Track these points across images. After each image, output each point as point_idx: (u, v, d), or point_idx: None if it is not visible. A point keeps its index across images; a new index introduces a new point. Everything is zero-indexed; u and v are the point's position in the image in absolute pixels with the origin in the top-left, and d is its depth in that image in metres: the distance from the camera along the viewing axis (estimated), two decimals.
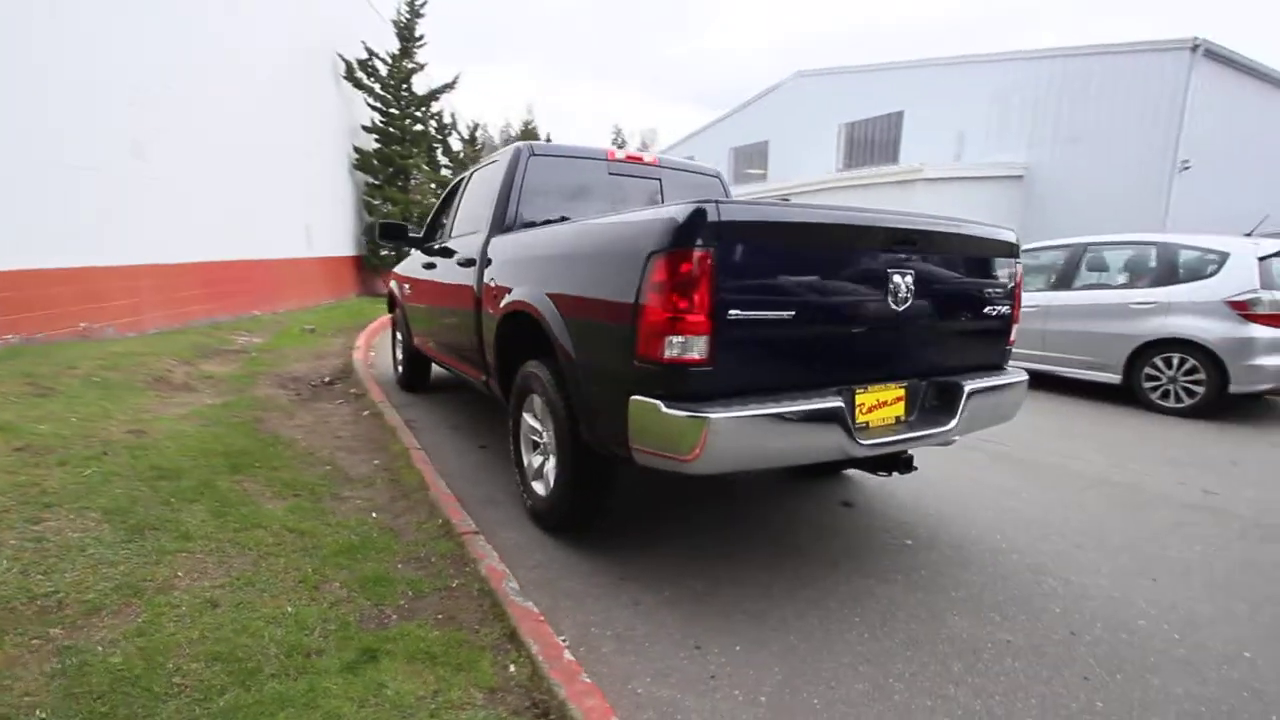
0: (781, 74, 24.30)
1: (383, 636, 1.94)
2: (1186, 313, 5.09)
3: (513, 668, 1.82)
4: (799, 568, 2.60)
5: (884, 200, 15.09)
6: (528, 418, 3.02)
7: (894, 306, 2.32)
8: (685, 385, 2.00)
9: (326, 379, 5.99)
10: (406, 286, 5.26)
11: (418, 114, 14.52)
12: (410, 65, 14.26)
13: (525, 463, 3.06)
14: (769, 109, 23.12)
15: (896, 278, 2.31)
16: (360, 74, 13.42)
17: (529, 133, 25.20)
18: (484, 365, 3.58)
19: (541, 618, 2.01)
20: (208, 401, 4.73)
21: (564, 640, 1.97)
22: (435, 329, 4.53)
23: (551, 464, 2.84)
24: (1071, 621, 2.27)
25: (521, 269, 2.98)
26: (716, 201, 1.95)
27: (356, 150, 13.88)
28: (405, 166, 14.18)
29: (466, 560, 2.40)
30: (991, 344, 2.79)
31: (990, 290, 2.68)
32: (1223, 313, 4.94)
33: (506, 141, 29.51)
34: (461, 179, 4.70)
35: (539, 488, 2.93)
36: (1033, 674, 1.97)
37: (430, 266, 4.53)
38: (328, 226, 12.79)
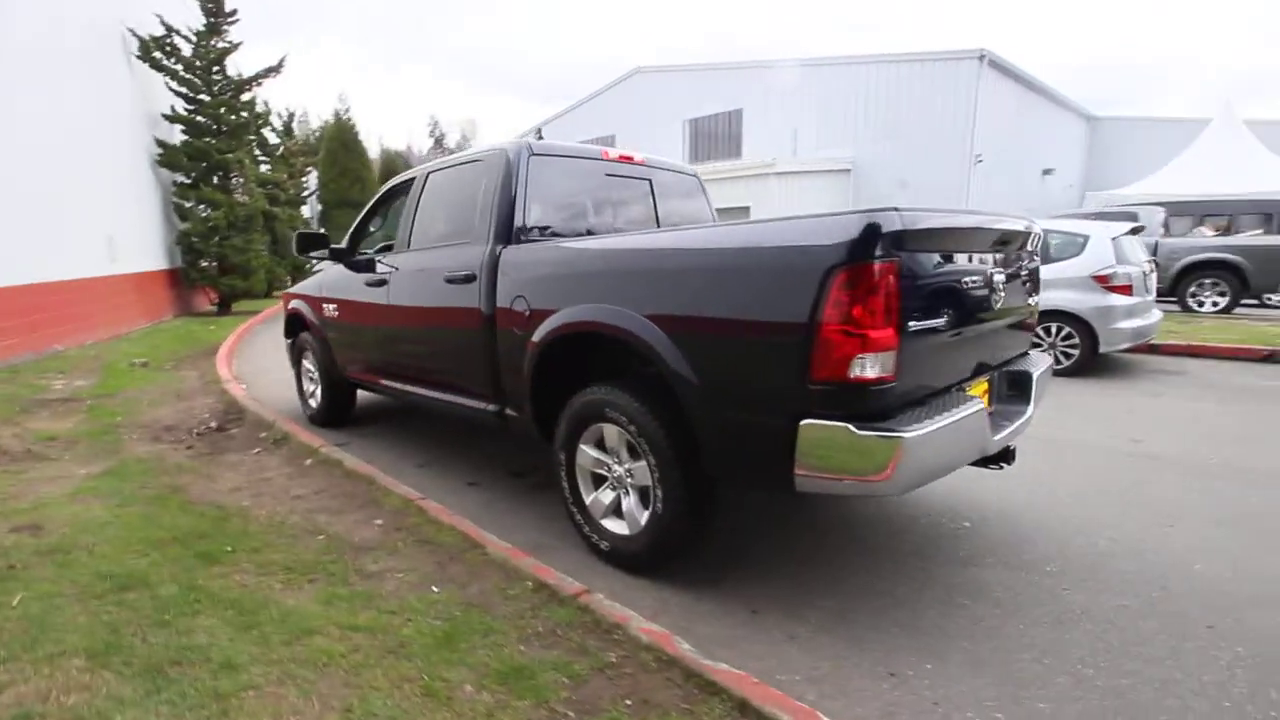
0: (616, 69, 24.56)
1: None
2: (1061, 287, 5.94)
3: None
4: (902, 568, 2.62)
5: (737, 192, 15.93)
6: (588, 449, 2.70)
7: (994, 304, 2.40)
8: (869, 404, 1.89)
9: (213, 424, 4.96)
10: (331, 308, 4.48)
11: (235, 101, 12.52)
12: (222, 45, 12.23)
13: (586, 500, 2.74)
14: (612, 103, 23.32)
15: (997, 276, 2.39)
16: (158, 53, 11.24)
17: (344, 125, 23.06)
18: (494, 392, 3.16)
19: (755, 680, 1.79)
20: (82, 471, 3.68)
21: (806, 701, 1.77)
22: (396, 355, 3.90)
23: (633, 499, 2.58)
24: (1153, 581, 2.52)
25: (576, 286, 2.64)
26: (895, 209, 1.85)
27: (160, 144, 11.64)
28: (224, 162, 12.17)
29: (604, 626, 2.08)
30: (1029, 330, 3.01)
31: (1031, 279, 2.89)
32: (1089, 286, 5.85)
33: (320, 133, 26.58)
34: (405, 181, 4.09)
35: (616, 526, 2.64)
36: (1171, 633, 2.15)
37: (380, 284, 3.89)
38: (134, 236, 10.62)
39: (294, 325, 5.15)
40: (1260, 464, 3.78)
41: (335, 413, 4.86)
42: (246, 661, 1.87)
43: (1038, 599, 2.39)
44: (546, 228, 3.19)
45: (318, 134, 27.16)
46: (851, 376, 1.85)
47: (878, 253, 1.81)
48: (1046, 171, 19.97)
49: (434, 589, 2.39)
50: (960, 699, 1.85)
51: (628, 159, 3.70)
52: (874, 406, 1.89)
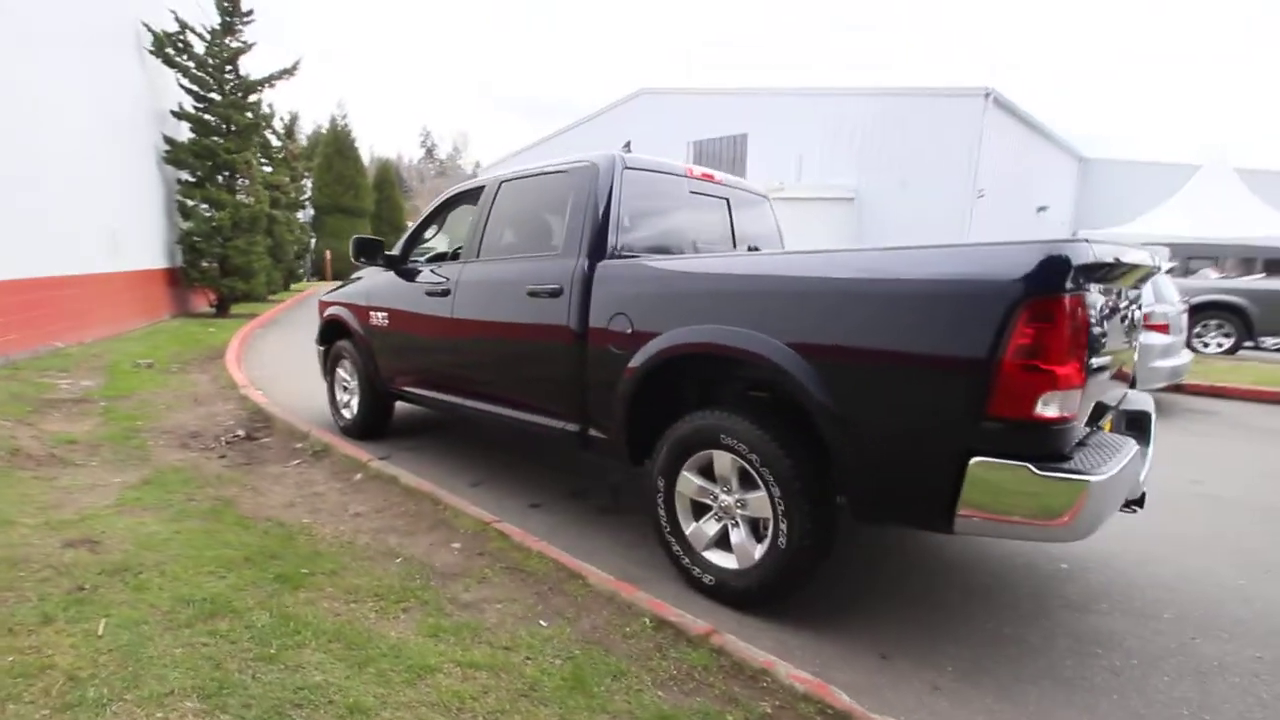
0: (618, 90, 24.65)
1: None
2: None
3: None
4: (1021, 612, 2.52)
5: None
6: (691, 477, 2.57)
7: (1131, 340, 2.34)
8: (1049, 444, 1.80)
9: (241, 433, 4.73)
10: (381, 316, 4.30)
11: (245, 102, 12.30)
12: (236, 44, 12.04)
13: (686, 530, 2.61)
14: (616, 123, 23.41)
15: (1135, 311, 2.33)
16: (170, 49, 11.02)
17: (340, 131, 22.93)
18: (578, 411, 3.02)
19: None
20: (118, 480, 3.44)
21: None
22: (457, 368, 3.73)
23: (743, 532, 2.45)
24: (1275, 630, 2.45)
25: (693, 306, 2.52)
26: (1086, 240, 1.78)
27: (167, 140, 11.37)
28: (231, 162, 11.91)
29: (747, 671, 1.93)
30: (1130, 369, 2.96)
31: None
32: None
33: (317, 137, 26.33)
34: (471, 189, 3.98)
35: (722, 559, 2.51)
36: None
37: (442, 294, 3.74)
38: (136, 232, 10.31)
39: (331, 332, 4.96)
40: None
41: (373, 425, 4.67)
42: (375, 705, 1.70)
43: (1168, 649, 2.30)
44: (637, 244, 3.09)
45: (311, 139, 26.93)
46: (1035, 414, 1.76)
47: (1069, 286, 1.73)
48: (1041, 208, 20.40)
49: (541, 623, 2.23)
50: None
51: (709, 177, 3.62)
52: (1053, 446, 1.80)
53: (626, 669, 1.97)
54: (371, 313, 4.40)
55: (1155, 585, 2.76)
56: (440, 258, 4.51)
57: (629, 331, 2.72)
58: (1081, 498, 1.74)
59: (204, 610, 2.08)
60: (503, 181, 3.68)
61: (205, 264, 11.85)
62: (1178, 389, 7.01)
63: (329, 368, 4.99)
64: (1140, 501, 2.46)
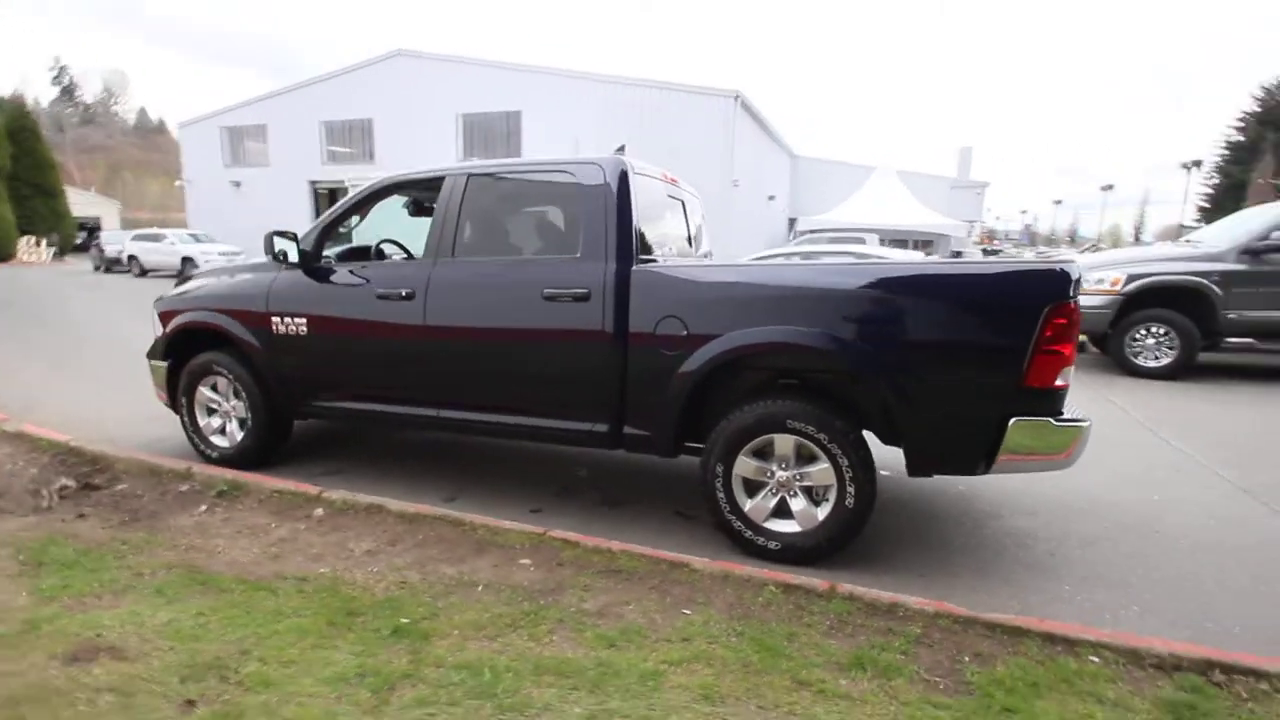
0: (365, 48, 22.28)
1: None
2: None
3: None
4: (942, 528, 3.38)
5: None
6: (748, 460, 2.92)
7: None
8: (1057, 404, 2.57)
9: (69, 482, 3.68)
10: (294, 323, 3.67)
11: None
12: None
13: (745, 507, 2.95)
14: (369, 85, 21.27)
15: None
16: None
17: None
18: (612, 411, 3.12)
19: (1038, 619, 2.32)
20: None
21: None
22: (432, 377, 3.43)
23: (802, 500, 2.89)
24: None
25: (755, 308, 2.82)
26: (1073, 260, 2.55)
27: None
28: None
29: (880, 608, 2.38)
30: None
31: None
32: None
33: None
34: (415, 181, 3.65)
35: (784, 526, 2.91)
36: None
37: (406, 297, 3.40)
38: None
39: (182, 345, 4.04)
40: None
41: (268, 450, 4.00)
42: (663, 714, 1.77)
43: (1040, 531, 3.35)
44: (650, 247, 3.25)
45: None
46: (1055, 384, 2.51)
47: (1072, 294, 2.49)
48: (771, 197, 24.10)
49: (685, 611, 2.40)
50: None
51: (674, 181, 3.88)
52: (1060, 405, 2.57)
53: (794, 630, 2.29)
54: (275, 319, 3.73)
55: (1032, 494, 3.88)
56: (360, 255, 4.01)
57: (683, 334, 2.92)
58: (1080, 437, 2.55)
59: (377, 683, 1.83)
60: (471, 175, 3.46)
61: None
62: None
63: (186, 388, 4.07)
64: None
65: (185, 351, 4.05)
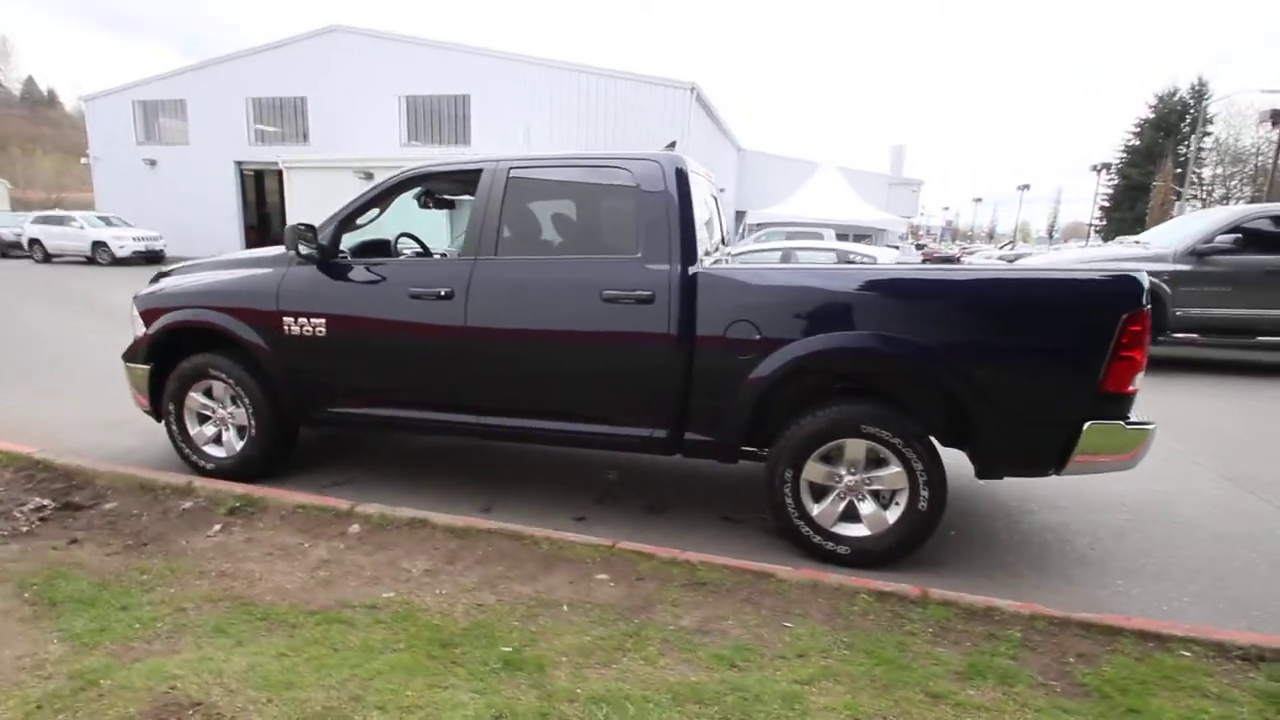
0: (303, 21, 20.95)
1: None
2: None
3: None
4: (984, 525, 3.49)
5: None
6: (817, 464, 2.89)
7: None
8: (1129, 407, 2.66)
9: (45, 501, 3.28)
10: (311, 324, 3.36)
11: None
12: None
13: (813, 512, 2.93)
14: (302, 61, 20.03)
15: None
16: None
17: None
18: (673, 417, 3.02)
19: (1125, 615, 2.39)
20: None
21: None
22: (473, 381, 3.22)
23: (869, 504, 2.89)
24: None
25: (832, 313, 2.79)
26: (1143, 270, 2.63)
27: None
28: None
29: (976, 612, 2.40)
30: None
31: None
32: None
33: None
34: (447, 173, 3.41)
35: (852, 531, 2.90)
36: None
37: (444, 296, 3.17)
38: None
39: (170, 346, 3.66)
40: None
41: (273, 460, 3.69)
42: None
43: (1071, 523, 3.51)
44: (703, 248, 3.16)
45: None
46: (1128, 389, 2.59)
47: (1145, 302, 2.57)
48: (721, 190, 24.30)
49: (786, 624, 2.35)
50: None
51: (710, 177, 3.79)
52: (1130, 409, 2.66)
53: (901, 639, 2.27)
54: (288, 319, 3.42)
55: (1050, 487, 4.05)
56: (378, 250, 3.72)
57: (755, 338, 2.85)
58: (1146, 439, 2.65)
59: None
60: (514, 168, 3.26)
61: None
62: None
63: (175, 394, 3.68)
64: None
65: (174, 354, 3.66)
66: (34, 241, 19.24)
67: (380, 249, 3.75)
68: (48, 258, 19.27)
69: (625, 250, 3.06)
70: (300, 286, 3.41)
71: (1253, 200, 40.41)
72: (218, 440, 3.72)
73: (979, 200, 79.29)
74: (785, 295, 2.89)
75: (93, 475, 3.53)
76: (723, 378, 2.92)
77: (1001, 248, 45.42)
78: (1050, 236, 66.23)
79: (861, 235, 26.73)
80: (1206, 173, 48.01)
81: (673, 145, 3.36)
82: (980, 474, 2.83)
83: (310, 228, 3.29)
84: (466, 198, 4.53)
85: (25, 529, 3.02)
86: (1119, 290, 2.58)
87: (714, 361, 2.93)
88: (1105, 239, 52.87)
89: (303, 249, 3.26)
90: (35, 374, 6.24)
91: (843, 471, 2.90)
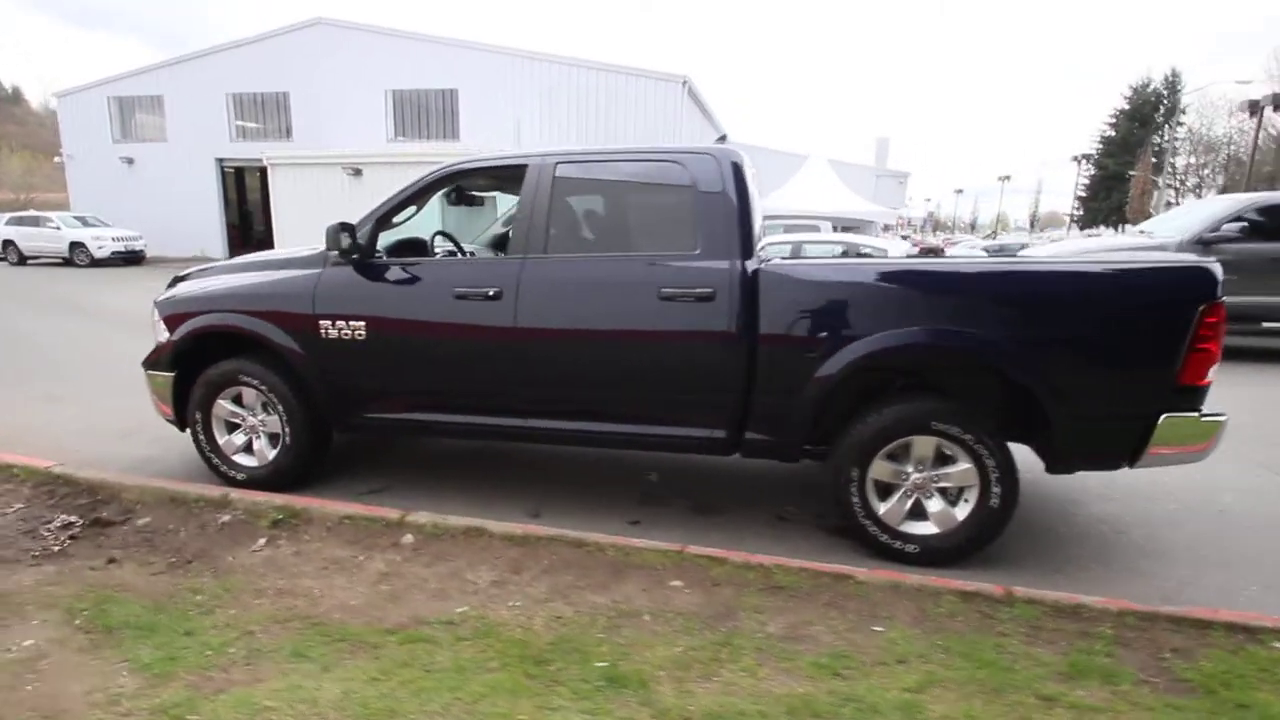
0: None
1: None
2: None
3: None
4: (1046, 520, 3.47)
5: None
6: (884, 463, 2.84)
7: None
8: (1202, 399, 2.63)
9: (72, 519, 3.14)
10: (348, 325, 3.23)
11: None
12: None
13: (880, 510, 2.88)
14: (285, 55, 19.58)
15: None
16: None
17: None
18: (734, 416, 2.95)
19: (1214, 608, 2.37)
20: (44, 634, 2.07)
21: None
22: (523, 384, 3.12)
23: (937, 501, 2.85)
24: None
25: (899, 308, 2.73)
26: (1215, 260, 2.60)
27: None
28: None
29: (1064, 610, 2.36)
30: None
31: None
32: None
33: None
34: (488, 168, 3.30)
35: (920, 529, 2.86)
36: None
37: (493, 296, 3.07)
38: None
39: (196, 352, 3.51)
40: None
41: (308, 468, 3.57)
42: None
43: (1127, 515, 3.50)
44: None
45: None
46: (1204, 381, 2.57)
47: (1220, 294, 2.54)
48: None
49: (875, 628, 2.30)
50: None
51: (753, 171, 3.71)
52: (1203, 401, 2.64)
53: (996, 641, 2.23)
54: (325, 322, 3.29)
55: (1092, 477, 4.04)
56: (414, 249, 3.60)
57: (821, 336, 2.79)
58: (1219, 431, 2.63)
59: None
60: (560, 163, 3.16)
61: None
62: None
63: (199, 402, 3.53)
64: None
65: (201, 360, 3.51)
66: (8, 243, 18.62)
67: (416, 248, 3.62)
68: (23, 260, 18.66)
69: (681, 247, 2.98)
70: (338, 289, 3.28)
71: (1225, 188, 41.32)
72: (248, 449, 3.58)
73: (960, 191, 79.79)
74: (852, 290, 2.83)
75: (118, 489, 3.38)
76: (786, 376, 2.85)
77: (985, 238, 45.98)
78: (1031, 226, 67.09)
79: (849, 227, 26.86)
80: (1180, 162, 48.86)
81: (723, 139, 3.29)
82: (1052, 467, 2.80)
83: (350, 227, 3.16)
84: (495, 194, 4.46)
85: (56, 548, 2.87)
86: (1194, 282, 2.55)
87: (777, 360, 2.86)
88: (1082, 228, 53.73)
89: (343, 249, 3.13)
90: (30, 380, 6.01)
91: (909, 469, 2.85)
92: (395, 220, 3.42)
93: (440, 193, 3.63)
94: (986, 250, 21.31)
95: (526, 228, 3.13)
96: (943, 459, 2.81)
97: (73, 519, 3.13)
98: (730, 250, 2.89)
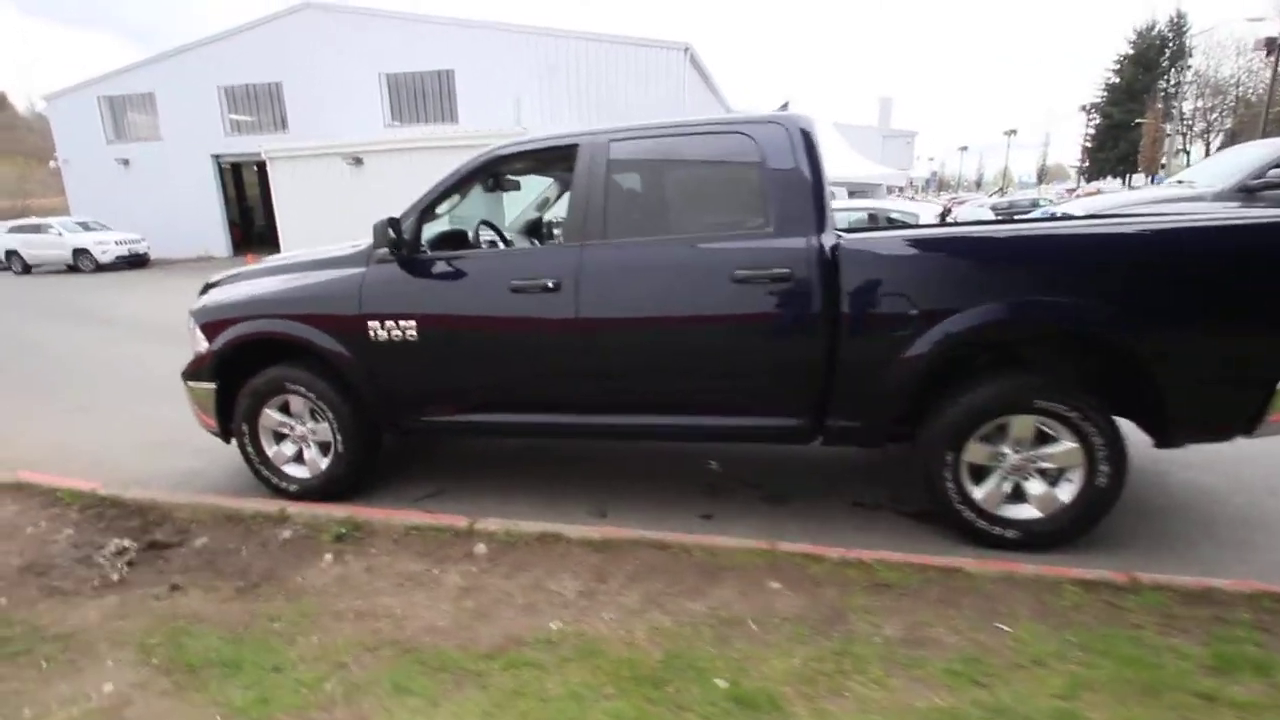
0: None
1: None
2: None
3: None
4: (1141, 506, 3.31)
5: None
6: (978, 445, 2.68)
7: None
8: None
9: (126, 543, 2.99)
10: (399, 326, 3.06)
11: None
12: None
13: (976, 495, 2.72)
14: (275, 44, 19.12)
15: None
16: None
17: None
18: (814, 403, 2.79)
19: None
20: (123, 677, 1.95)
21: None
22: (587, 377, 2.96)
23: (1039, 485, 2.68)
24: None
25: (996, 279, 2.55)
26: None
27: None
28: None
29: (1191, 596, 2.22)
30: None
31: None
32: None
33: None
34: (539, 150, 3.10)
35: (1021, 513, 2.71)
36: None
37: (551, 289, 2.89)
38: None
39: (238, 361, 3.35)
40: None
41: (361, 476, 3.44)
42: None
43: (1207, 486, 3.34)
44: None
45: None
46: None
47: None
48: None
49: (1001, 626, 2.15)
50: None
51: None
52: None
53: (1132, 634, 2.09)
54: (373, 323, 3.12)
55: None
56: (457, 241, 3.41)
57: (910, 313, 2.61)
58: None
59: None
60: (614, 141, 2.95)
61: None
62: None
63: (245, 413, 3.39)
64: None
65: (244, 369, 3.36)
66: (11, 253, 18.41)
67: (458, 240, 3.44)
68: (27, 269, 18.49)
69: (752, 225, 2.79)
70: (384, 287, 3.10)
71: (1234, 132, 40.28)
72: (299, 459, 3.45)
73: (964, 149, 77.91)
74: (940, 262, 2.65)
75: (169, 509, 3.25)
76: (872, 357, 2.68)
77: (992, 194, 45.14)
78: (1039, 181, 65.76)
79: (856, 191, 26.42)
80: (1187, 106, 47.70)
81: (785, 106, 3.06)
82: (1161, 441, 2.63)
83: (397, 221, 2.97)
84: (533, 178, 4.25)
85: (115, 577, 2.74)
86: None
87: (861, 341, 2.68)
88: (1089, 179, 52.69)
89: (393, 244, 2.95)
90: (58, 392, 5.89)
91: (1006, 450, 2.68)
92: (439, 211, 3.23)
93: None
94: (995, 209, 20.81)
95: (583, 212, 2.93)
96: (1043, 438, 2.65)
97: (126, 543, 2.99)
98: (805, 226, 2.70)
